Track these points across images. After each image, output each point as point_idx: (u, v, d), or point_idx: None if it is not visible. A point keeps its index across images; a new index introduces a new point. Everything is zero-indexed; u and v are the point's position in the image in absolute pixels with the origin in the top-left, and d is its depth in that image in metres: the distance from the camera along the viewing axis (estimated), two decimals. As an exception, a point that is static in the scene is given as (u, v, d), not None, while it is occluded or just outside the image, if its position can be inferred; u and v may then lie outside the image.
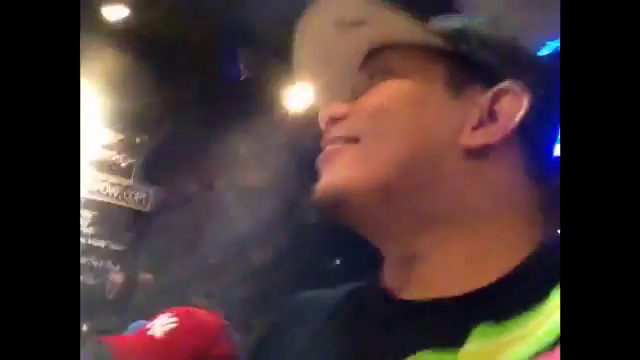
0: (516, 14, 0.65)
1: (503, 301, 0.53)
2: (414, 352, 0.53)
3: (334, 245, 3.85)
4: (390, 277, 0.61)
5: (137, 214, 3.19)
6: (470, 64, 0.59)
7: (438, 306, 0.56)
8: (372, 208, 0.58)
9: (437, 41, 0.58)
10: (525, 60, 0.60)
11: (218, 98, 3.28)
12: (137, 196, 3.22)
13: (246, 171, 3.56)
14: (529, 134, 0.58)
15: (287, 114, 3.55)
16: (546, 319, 0.50)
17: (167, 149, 3.29)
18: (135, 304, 3.00)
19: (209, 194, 3.49)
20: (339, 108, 0.62)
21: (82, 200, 2.86)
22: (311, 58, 0.65)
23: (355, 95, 0.62)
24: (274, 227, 3.63)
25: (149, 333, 1.12)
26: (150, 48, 3.11)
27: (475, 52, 0.59)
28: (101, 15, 2.99)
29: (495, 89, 0.57)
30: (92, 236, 3.03)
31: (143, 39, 3.06)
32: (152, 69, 3.13)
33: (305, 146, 3.51)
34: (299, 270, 3.68)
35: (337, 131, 0.60)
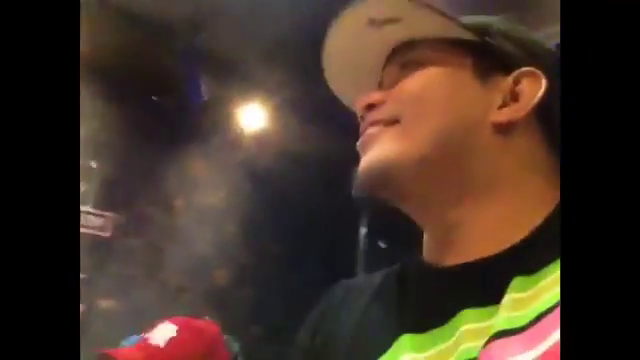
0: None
1: (533, 255, 0.59)
2: (457, 313, 0.59)
3: (294, 262, 3.86)
4: (428, 250, 0.68)
5: (96, 240, 3.15)
6: (494, 54, 0.67)
7: (474, 268, 0.62)
8: (414, 181, 0.64)
9: (467, 34, 0.67)
10: (539, 50, 0.69)
11: (174, 119, 3.27)
12: (95, 222, 3.18)
13: (204, 191, 3.54)
14: (547, 111, 0.65)
15: (242, 134, 3.55)
16: None
17: (123, 172, 3.26)
18: (95, 332, 2.95)
19: (168, 216, 3.47)
20: (376, 95, 0.69)
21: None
22: (340, 54, 0.72)
23: (384, 86, 0.70)
24: (235, 246, 3.62)
25: (152, 343, 1.14)
26: (103, 71, 3.09)
27: (498, 44, 0.67)
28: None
29: (516, 73, 0.66)
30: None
31: (96, 62, 3.04)
32: (106, 92, 3.11)
33: (261, 165, 3.55)
34: (262, 287, 3.68)
35: (377, 115, 0.67)
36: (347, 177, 3.67)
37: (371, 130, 0.67)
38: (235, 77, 3.19)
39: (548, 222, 0.62)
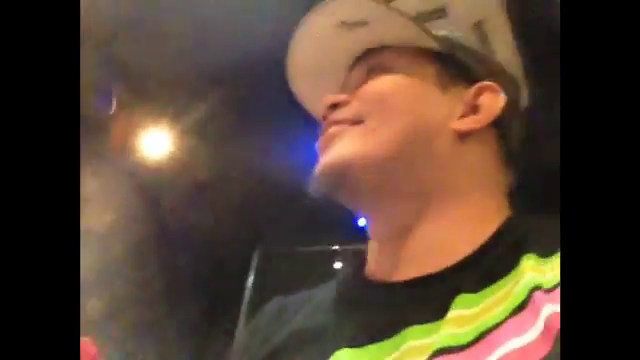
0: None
1: (478, 272, 0.59)
2: (400, 330, 0.58)
3: (172, 300, 3.70)
4: (373, 263, 0.68)
5: None
6: (457, 66, 0.69)
7: (418, 284, 0.62)
8: (371, 182, 0.65)
9: (434, 44, 0.69)
10: (499, 69, 0.72)
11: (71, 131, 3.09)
12: None
13: (91, 212, 3.35)
14: (504, 126, 0.69)
15: (139, 157, 3.40)
16: (516, 284, 0.56)
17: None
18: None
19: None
20: (342, 95, 0.70)
21: None
22: (307, 55, 0.73)
23: (347, 89, 0.71)
24: (114, 275, 3.43)
25: None
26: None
27: (462, 57, 0.70)
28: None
29: (477, 86, 0.68)
30: None
31: None
32: None
33: (158, 192, 3.41)
34: (134, 322, 3.49)
35: (342, 114, 0.68)
36: (247, 216, 3.63)
37: (333, 129, 0.67)
38: (142, 96, 3.08)
39: (494, 239, 0.62)
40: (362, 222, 0.73)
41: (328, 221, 0.75)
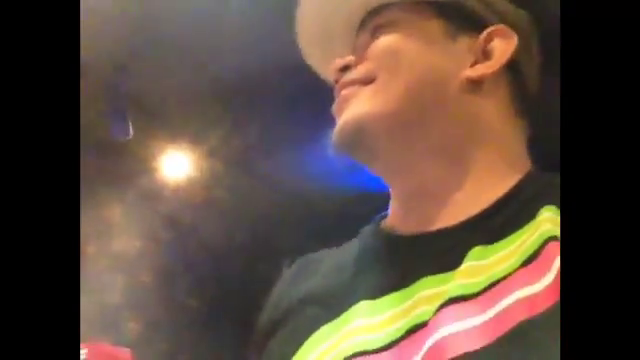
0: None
1: (493, 226, 0.59)
2: (415, 280, 0.59)
3: (208, 319, 3.72)
4: (393, 217, 0.68)
5: None
6: (465, 15, 0.68)
7: (435, 237, 0.62)
8: (387, 138, 0.65)
9: None
10: (509, 11, 0.70)
11: (93, 160, 3.14)
12: None
13: (119, 238, 3.39)
14: (516, 70, 0.67)
15: (165, 181, 3.43)
16: (532, 235, 0.56)
17: None
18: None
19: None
20: (351, 57, 0.70)
21: None
22: (313, 20, 0.74)
23: (357, 51, 0.70)
24: (147, 298, 3.46)
25: None
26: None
27: (469, 4, 0.68)
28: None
29: (487, 31, 0.67)
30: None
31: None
32: None
33: (182, 215, 3.44)
34: (172, 343, 3.52)
35: (353, 75, 0.68)
36: (271, 232, 3.64)
37: (347, 91, 0.68)
38: (160, 122, 3.11)
39: (512, 193, 0.62)
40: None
41: (345, 231, 0.75)
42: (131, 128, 2.91)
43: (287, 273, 0.75)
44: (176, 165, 3.39)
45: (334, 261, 0.70)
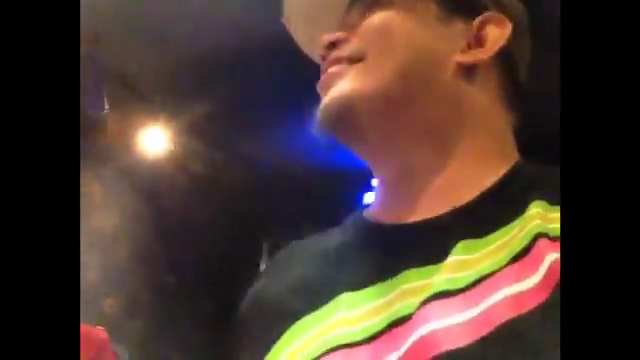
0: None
1: (480, 218, 0.58)
2: (399, 272, 0.57)
3: (186, 295, 3.72)
4: (378, 205, 0.67)
5: None
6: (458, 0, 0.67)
7: (420, 228, 0.61)
8: (375, 118, 0.63)
9: None
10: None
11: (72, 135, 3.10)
12: None
13: (96, 215, 3.36)
14: (508, 59, 0.66)
15: (142, 156, 3.40)
16: (521, 231, 0.55)
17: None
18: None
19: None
20: (340, 33, 0.68)
21: None
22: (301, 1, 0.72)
23: (345, 28, 0.68)
24: (124, 274, 3.45)
25: None
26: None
27: None
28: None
29: (481, 17, 0.66)
30: None
31: None
32: None
33: (159, 191, 3.42)
34: (155, 318, 3.52)
35: (341, 52, 0.66)
36: (251, 210, 3.64)
37: (334, 68, 0.66)
38: (137, 97, 3.08)
39: (500, 184, 0.61)
40: (368, 198, 0.73)
41: (331, 210, 0.74)
42: (106, 102, 2.87)
43: (271, 262, 0.74)
44: (154, 141, 3.36)
45: (317, 250, 0.68)
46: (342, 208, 0.74)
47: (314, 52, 0.72)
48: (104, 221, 3.38)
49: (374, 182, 0.72)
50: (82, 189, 3.26)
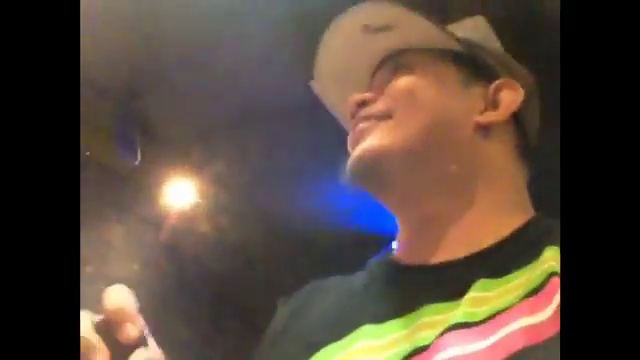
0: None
1: (499, 261, 0.61)
2: (419, 307, 0.61)
3: (201, 350, 3.69)
4: (401, 249, 0.72)
5: None
6: (477, 65, 0.73)
7: (441, 269, 0.65)
8: (400, 172, 0.69)
9: (455, 45, 0.72)
10: (516, 67, 0.75)
11: (101, 183, 3.16)
12: None
13: (118, 261, 3.38)
14: (522, 121, 0.72)
15: (167, 212, 3.43)
16: (535, 271, 0.58)
17: None
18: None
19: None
20: (368, 94, 0.74)
21: None
22: (334, 58, 0.77)
23: (373, 89, 0.74)
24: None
25: None
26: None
27: (482, 56, 0.74)
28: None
29: (497, 82, 0.72)
30: None
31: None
32: None
33: (183, 243, 3.43)
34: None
35: (370, 110, 0.72)
36: (270, 266, 3.63)
37: (363, 125, 0.71)
38: (165, 148, 3.13)
39: (518, 232, 0.65)
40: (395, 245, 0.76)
41: (348, 263, 0.77)
42: (139, 154, 2.94)
43: (298, 297, 0.76)
44: (179, 193, 3.41)
45: (340, 287, 0.73)
46: (358, 270, 0.77)
47: (342, 110, 0.77)
48: (124, 268, 3.40)
49: (394, 245, 0.76)
50: (105, 235, 3.30)
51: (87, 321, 0.51)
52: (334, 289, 0.74)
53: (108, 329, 0.51)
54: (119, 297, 0.53)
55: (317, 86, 0.80)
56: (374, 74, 0.76)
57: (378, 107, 0.72)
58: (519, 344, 0.53)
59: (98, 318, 0.52)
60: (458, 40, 0.73)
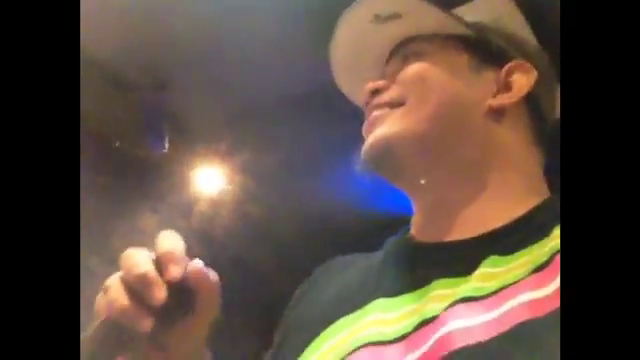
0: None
1: (510, 240, 0.63)
2: (431, 282, 0.63)
3: (237, 334, 3.74)
4: (416, 227, 0.74)
5: None
6: (488, 49, 0.73)
7: (453, 247, 0.67)
8: (413, 156, 0.70)
9: (465, 30, 0.73)
10: (528, 46, 0.75)
11: (132, 174, 3.22)
12: None
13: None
14: (535, 102, 0.72)
15: (199, 198, 3.49)
16: (543, 248, 0.60)
17: (85, 230, 3.14)
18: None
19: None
20: (381, 81, 0.75)
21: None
22: (346, 49, 0.78)
23: (386, 77, 0.75)
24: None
25: None
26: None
27: (493, 39, 0.74)
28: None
29: (508, 65, 0.72)
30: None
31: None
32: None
33: (215, 228, 3.48)
34: None
35: (383, 98, 0.73)
36: (296, 251, 3.65)
37: (376, 112, 0.73)
38: (193, 138, 3.17)
39: (528, 216, 0.66)
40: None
41: (375, 248, 0.80)
42: (167, 142, 3.00)
43: (314, 273, 0.81)
44: (210, 180, 3.47)
45: (362, 264, 0.76)
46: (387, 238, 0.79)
47: (357, 98, 0.79)
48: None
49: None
50: (138, 223, 3.36)
51: (147, 258, 0.58)
52: (354, 265, 0.77)
53: (159, 268, 0.57)
54: (170, 240, 0.60)
55: (335, 77, 0.82)
56: (387, 63, 0.78)
57: (390, 94, 0.73)
58: (522, 316, 0.55)
59: (154, 257, 0.58)
60: (467, 25, 0.74)
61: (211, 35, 2.61)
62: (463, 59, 0.73)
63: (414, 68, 0.73)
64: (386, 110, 0.73)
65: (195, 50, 2.69)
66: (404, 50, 0.76)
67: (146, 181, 3.31)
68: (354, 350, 0.62)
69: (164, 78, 2.86)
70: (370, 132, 0.73)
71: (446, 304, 0.60)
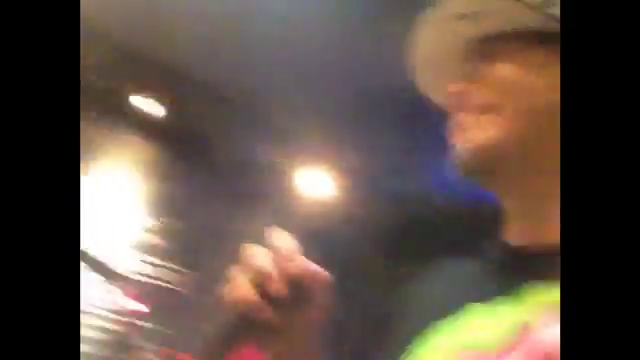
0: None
1: None
2: (526, 287, 0.64)
3: (342, 334, 3.81)
4: (509, 232, 0.73)
5: (174, 294, 3.28)
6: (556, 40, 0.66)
7: (546, 249, 0.66)
8: (511, 164, 0.70)
9: (544, 24, 0.69)
10: None
11: (243, 182, 3.41)
12: (177, 278, 3.30)
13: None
14: None
15: (306, 199, 3.64)
16: None
17: (200, 233, 3.41)
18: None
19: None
20: (465, 85, 0.73)
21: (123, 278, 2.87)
22: (427, 47, 0.76)
23: (468, 77, 0.74)
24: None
25: None
26: (183, 141, 3.33)
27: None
28: (140, 110, 3.25)
29: None
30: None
31: (177, 132, 3.29)
32: (186, 158, 3.32)
33: (322, 232, 3.55)
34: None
35: (472, 101, 0.71)
36: (399, 245, 3.64)
37: (465, 117, 0.72)
38: (297, 144, 3.36)
39: None
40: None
41: (473, 242, 0.90)
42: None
43: (420, 278, 0.82)
44: (309, 183, 3.63)
45: (459, 268, 0.78)
46: (482, 240, 0.79)
47: (438, 98, 0.78)
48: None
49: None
50: (240, 226, 3.47)
51: (267, 254, 0.63)
52: (453, 268, 0.79)
53: (277, 264, 0.63)
54: (285, 239, 0.65)
55: (414, 76, 0.80)
56: (467, 62, 0.75)
57: (480, 98, 0.71)
58: None
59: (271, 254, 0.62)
60: (547, 16, 0.70)
61: (299, 37, 2.65)
62: (541, 55, 0.70)
63: (500, 72, 0.71)
64: (475, 115, 0.71)
65: (292, 60, 2.77)
66: (486, 49, 0.73)
67: (260, 185, 3.52)
68: (452, 355, 0.64)
69: (262, 88, 2.99)
70: (462, 136, 0.71)
71: (542, 310, 0.60)
